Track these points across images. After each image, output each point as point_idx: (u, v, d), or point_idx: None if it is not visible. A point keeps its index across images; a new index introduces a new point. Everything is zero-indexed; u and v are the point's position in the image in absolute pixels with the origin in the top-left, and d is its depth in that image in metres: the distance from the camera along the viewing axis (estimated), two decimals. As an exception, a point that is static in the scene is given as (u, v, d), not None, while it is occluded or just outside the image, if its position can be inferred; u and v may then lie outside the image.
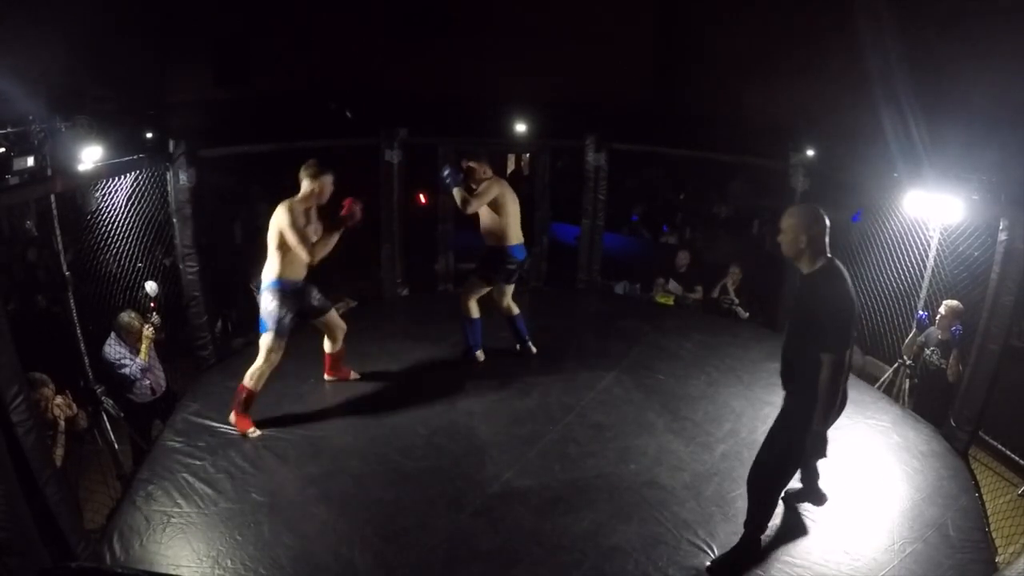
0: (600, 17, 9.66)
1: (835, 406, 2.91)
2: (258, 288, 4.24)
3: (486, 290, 5.06)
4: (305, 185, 4.05)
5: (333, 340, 4.65)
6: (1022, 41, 5.62)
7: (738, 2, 9.09)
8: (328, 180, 4.08)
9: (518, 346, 5.32)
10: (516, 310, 5.20)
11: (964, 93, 5.87)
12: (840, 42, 7.05)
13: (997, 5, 5.99)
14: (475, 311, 5.09)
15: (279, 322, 4.07)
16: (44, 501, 2.94)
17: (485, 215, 4.85)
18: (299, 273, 4.12)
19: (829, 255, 2.91)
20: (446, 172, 4.83)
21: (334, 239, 4.18)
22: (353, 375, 4.85)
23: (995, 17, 5.92)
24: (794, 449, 3.01)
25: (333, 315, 4.56)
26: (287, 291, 4.07)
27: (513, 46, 9.66)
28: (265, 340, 4.10)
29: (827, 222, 2.88)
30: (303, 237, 3.95)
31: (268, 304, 4.06)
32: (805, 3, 7.97)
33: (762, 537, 3.33)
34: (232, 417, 4.16)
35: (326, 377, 4.80)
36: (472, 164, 4.82)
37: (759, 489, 3.19)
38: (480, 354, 5.20)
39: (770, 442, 3.13)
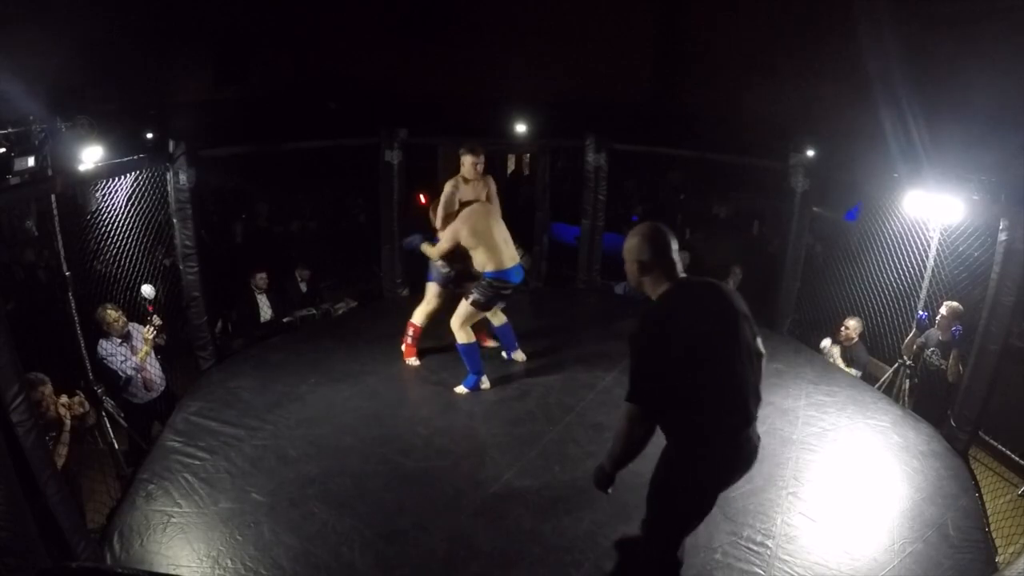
0: (600, 17, 9.65)
1: (627, 456, 2.47)
2: (409, 246, 4.98)
3: (480, 316, 4.75)
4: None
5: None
6: (1022, 41, 5.62)
7: (738, 2, 9.08)
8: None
9: (504, 354, 5.21)
10: (504, 319, 5.06)
11: (964, 93, 5.86)
12: (840, 42, 7.04)
13: (997, 5, 5.98)
14: (470, 335, 4.69)
15: (439, 272, 4.79)
16: (44, 501, 2.94)
17: (467, 247, 4.55)
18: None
19: (678, 279, 2.40)
20: (407, 242, 5.02)
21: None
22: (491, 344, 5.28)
23: (995, 17, 5.92)
24: (669, 514, 2.58)
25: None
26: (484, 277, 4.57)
27: (513, 46, 9.66)
28: (430, 287, 4.93)
29: (666, 241, 2.38)
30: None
31: (475, 291, 4.58)
32: (805, 3, 7.96)
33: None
34: (403, 347, 5.08)
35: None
36: (469, 157, 4.66)
37: (648, 558, 2.75)
38: (486, 380, 4.78)
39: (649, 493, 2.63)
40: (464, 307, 4.64)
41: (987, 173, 4.19)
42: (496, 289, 4.56)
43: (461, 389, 4.72)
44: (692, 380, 2.30)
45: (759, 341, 2.49)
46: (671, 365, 2.29)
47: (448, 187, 4.73)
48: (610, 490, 2.62)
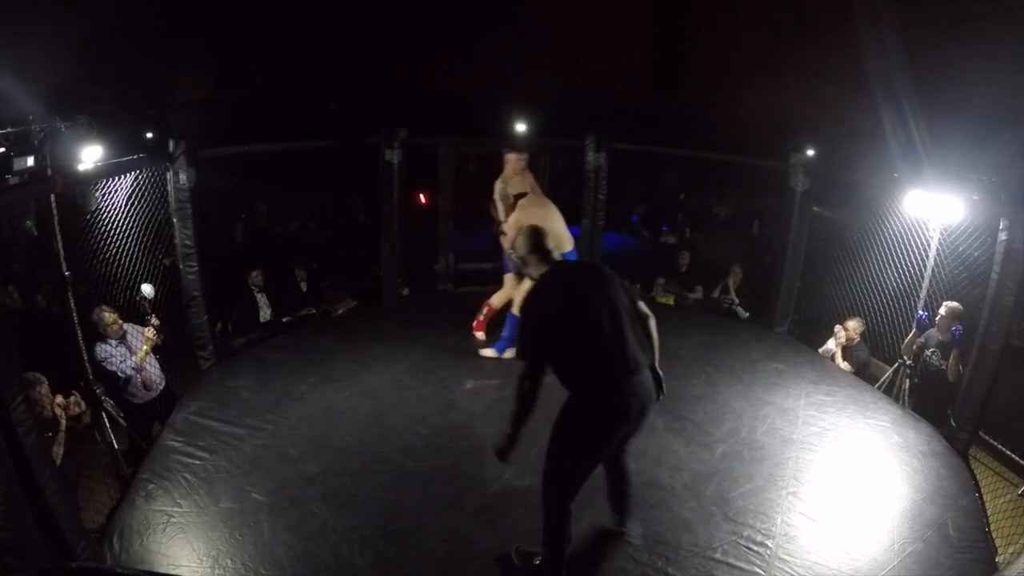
0: (600, 17, 9.65)
1: (521, 412, 2.85)
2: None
3: None
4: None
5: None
6: (1022, 41, 5.62)
7: (738, 2, 9.08)
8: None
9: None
10: None
11: (964, 93, 5.86)
12: (840, 42, 7.04)
13: (998, 5, 5.98)
14: None
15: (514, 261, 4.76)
16: (44, 501, 2.93)
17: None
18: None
19: (554, 262, 3.00)
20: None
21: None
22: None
23: (996, 17, 5.91)
24: (562, 453, 2.92)
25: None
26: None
27: (513, 46, 9.65)
28: (507, 276, 5.21)
29: (541, 238, 3.01)
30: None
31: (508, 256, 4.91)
32: (805, 3, 7.96)
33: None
34: (475, 324, 5.43)
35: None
36: (513, 155, 5.22)
37: (544, 498, 3.04)
38: (510, 352, 5.08)
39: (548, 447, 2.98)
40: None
41: (987, 173, 4.19)
42: None
43: (490, 352, 5.27)
44: (570, 337, 2.79)
45: (641, 304, 2.98)
46: (549, 327, 2.81)
47: (498, 185, 5.29)
48: (510, 457, 2.99)
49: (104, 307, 4.45)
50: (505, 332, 5.19)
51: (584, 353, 2.80)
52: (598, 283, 2.88)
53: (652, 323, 2.98)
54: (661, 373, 2.96)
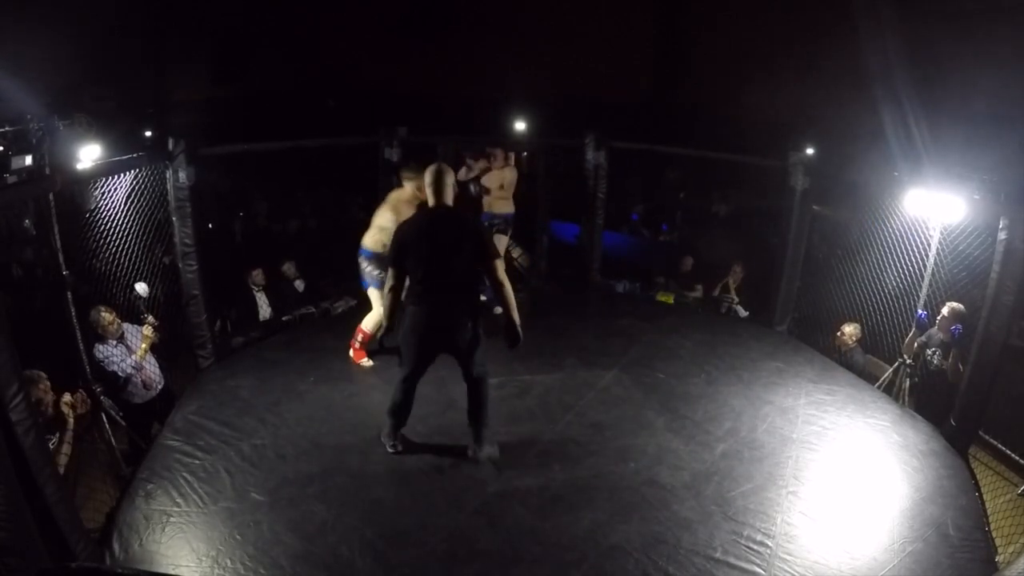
0: (600, 17, 9.66)
1: (387, 308, 3.71)
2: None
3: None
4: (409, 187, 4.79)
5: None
6: (1022, 41, 5.62)
7: (738, 2, 9.08)
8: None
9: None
10: None
11: (964, 93, 5.86)
12: (840, 41, 7.04)
13: (998, 4, 5.98)
14: None
15: (375, 278, 4.89)
16: (44, 501, 2.93)
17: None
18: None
19: (438, 205, 3.66)
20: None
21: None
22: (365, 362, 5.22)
23: (996, 16, 5.92)
24: (402, 341, 3.72)
25: None
26: (372, 256, 4.88)
27: (513, 46, 9.66)
28: (372, 294, 4.99)
29: (442, 180, 3.65)
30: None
31: (366, 267, 4.90)
32: (805, 3, 7.96)
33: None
34: (351, 353, 5.13)
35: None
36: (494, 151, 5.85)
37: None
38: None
39: None
40: (505, 240, 6.19)
41: (987, 172, 4.19)
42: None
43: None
44: (413, 261, 3.60)
45: (488, 251, 3.63)
46: (406, 249, 3.61)
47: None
48: (385, 342, 3.85)
49: (102, 307, 4.44)
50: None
51: (420, 275, 3.60)
52: (454, 231, 3.61)
53: (505, 287, 3.61)
54: (516, 327, 3.61)
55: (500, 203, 6.06)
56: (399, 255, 3.64)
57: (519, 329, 3.63)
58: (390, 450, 3.96)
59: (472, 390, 3.85)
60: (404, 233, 3.66)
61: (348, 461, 3.91)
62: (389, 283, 3.68)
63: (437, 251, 3.57)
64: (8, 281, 6.44)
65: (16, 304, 6.00)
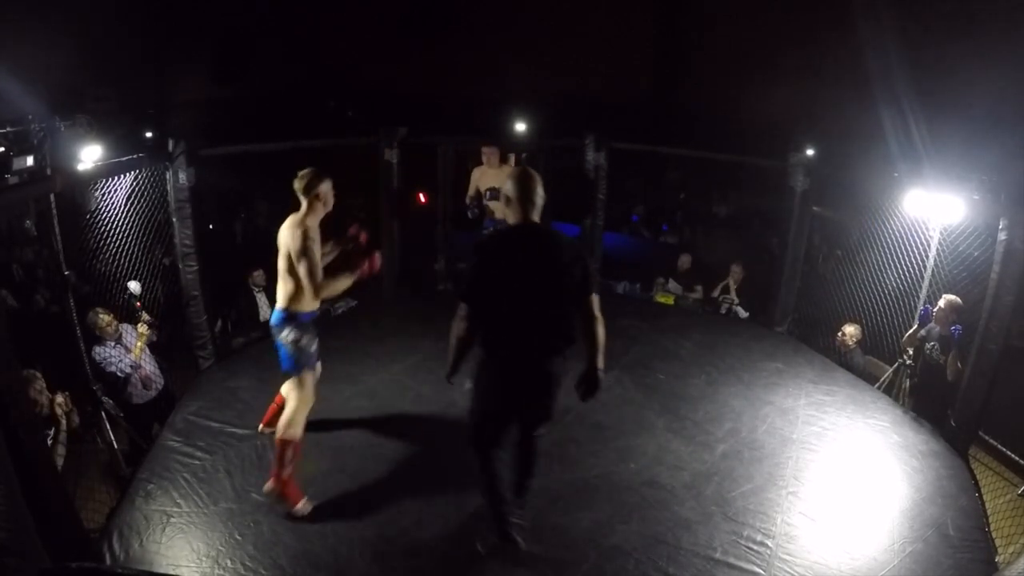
0: (600, 17, 9.65)
1: (457, 350, 2.95)
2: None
3: None
4: (305, 202, 3.52)
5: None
6: (1022, 40, 5.62)
7: (738, 2, 9.08)
8: (327, 188, 3.57)
9: None
10: None
11: (964, 93, 5.86)
12: (840, 42, 7.04)
13: (998, 5, 5.98)
14: None
15: (311, 356, 3.52)
16: (44, 501, 2.93)
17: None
18: (316, 304, 3.54)
19: (525, 221, 2.89)
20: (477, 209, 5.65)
21: (343, 284, 3.52)
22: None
23: (995, 17, 5.91)
24: (473, 400, 3.05)
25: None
26: (306, 322, 3.49)
27: (513, 46, 9.65)
28: (296, 380, 3.48)
29: (530, 188, 2.89)
30: (314, 269, 3.36)
31: (288, 337, 3.43)
32: (805, 3, 7.96)
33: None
34: (271, 485, 3.39)
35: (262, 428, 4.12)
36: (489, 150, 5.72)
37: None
38: None
39: None
40: None
41: (987, 172, 4.19)
42: None
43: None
44: (497, 295, 2.84)
45: (593, 304, 2.91)
46: (488, 279, 2.85)
47: (475, 173, 5.96)
48: (453, 379, 3.05)
49: (99, 309, 4.44)
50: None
51: (501, 317, 2.86)
52: (548, 260, 2.86)
53: (599, 327, 2.93)
54: (600, 375, 2.91)
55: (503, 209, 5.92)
56: (478, 286, 2.86)
57: (601, 377, 2.93)
58: (482, 550, 3.21)
59: (525, 450, 3.19)
60: (486, 257, 2.88)
61: (348, 461, 3.92)
62: (460, 325, 2.89)
63: (529, 282, 2.82)
64: (9, 281, 6.45)
65: (16, 304, 6.01)
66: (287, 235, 3.46)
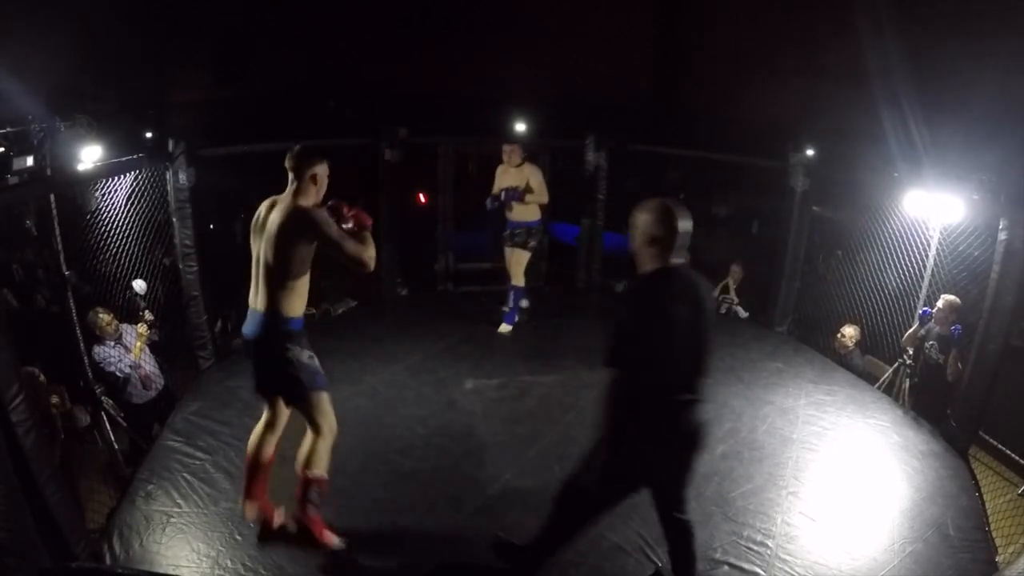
0: (600, 17, 9.65)
1: (610, 430, 2.54)
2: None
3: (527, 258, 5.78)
4: (296, 183, 3.12)
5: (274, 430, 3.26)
6: (1022, 41, 5.61)
7: (739, 2, 9.08)
8: (324, 171, 3.19)
9: (504, 308, 5.91)
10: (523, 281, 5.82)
11: (964, 93, 5.86)
12: (840, 41, 7.04)
13: (998, 4, 5.98)
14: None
15: (319, 373, 3.05)
16: (44, 501, 2.93)
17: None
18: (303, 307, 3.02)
19: (669, 265, 2.53)
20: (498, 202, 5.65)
21: (370, 243, 3.13)
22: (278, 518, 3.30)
23: (995, 17, 5.91)
24: (606, 461, 2.63)
25: None
26: (300, 330, 2.98)
27: (513, 46, 9.65)
28: (311, 405, 3.05)
29: (680, 228, 2.54)
30: (351, 243, 2.96)
31: (300, 355, 2.92)
32: (805, 3, 7.95)
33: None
34: (291, 524, 3.12)
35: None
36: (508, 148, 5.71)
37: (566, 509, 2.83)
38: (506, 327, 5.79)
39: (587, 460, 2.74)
40: (526, 256, 5.77)
41: (987, 173, 4.19)
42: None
43: (505, 328, 5.79)
44: (656, 353, 2.46)
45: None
46: (638, 335, 2.45)
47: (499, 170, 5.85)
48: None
49: (99, 309, 4.44)
50: (511, 304, 5.74)
51: (661, 374, 2.49)
52: (699, 305, 2.55)
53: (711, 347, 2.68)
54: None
55: (521, 209, 5.62)
56: (625, 345, 2.44)
57: None
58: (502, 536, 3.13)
59: (681, 534, 2.91)
60: (637, 310, 2.50)
61: (348, 462, 3.91)
62: (611, 391, 2.47)
63: (682, 336, 2.47)
64: (9, 281, 6.44)
65: (18, 305, 6.00)
66: (279, 220, 2.92)
